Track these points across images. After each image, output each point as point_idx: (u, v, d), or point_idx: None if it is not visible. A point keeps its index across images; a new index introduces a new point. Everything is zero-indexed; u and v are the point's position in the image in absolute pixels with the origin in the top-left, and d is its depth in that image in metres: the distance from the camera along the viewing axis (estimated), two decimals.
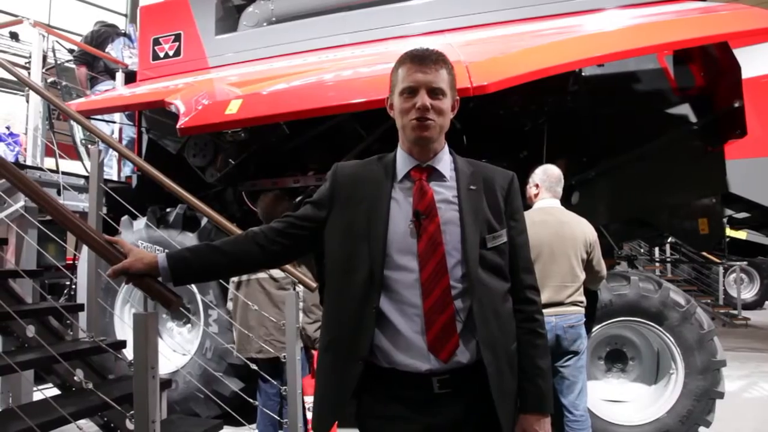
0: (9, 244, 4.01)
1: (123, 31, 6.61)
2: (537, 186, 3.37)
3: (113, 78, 5.79)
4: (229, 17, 5.16)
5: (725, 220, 4.86)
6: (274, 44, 4.74)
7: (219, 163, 4.66)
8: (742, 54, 3.97)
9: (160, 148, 5.28)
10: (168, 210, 4.75)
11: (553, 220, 3.23)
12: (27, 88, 5.06)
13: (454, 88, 1.61)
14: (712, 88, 4.36)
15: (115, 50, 6.12)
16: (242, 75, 4.55)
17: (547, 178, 3.36)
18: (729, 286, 11.82)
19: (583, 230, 3.25)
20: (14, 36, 6.52)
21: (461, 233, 1.53)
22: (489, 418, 1.49)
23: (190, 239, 4.50)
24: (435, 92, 1.53)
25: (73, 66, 6.44)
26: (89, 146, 5.61)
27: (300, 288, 3.46)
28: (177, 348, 4.62)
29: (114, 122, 5.59)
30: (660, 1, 3.94)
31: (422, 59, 1.55)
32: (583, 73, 4.30)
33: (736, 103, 3.99)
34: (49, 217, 4.17)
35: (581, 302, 3.24)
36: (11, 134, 6.03)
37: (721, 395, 3.75)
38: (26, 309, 3.27)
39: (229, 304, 3.92)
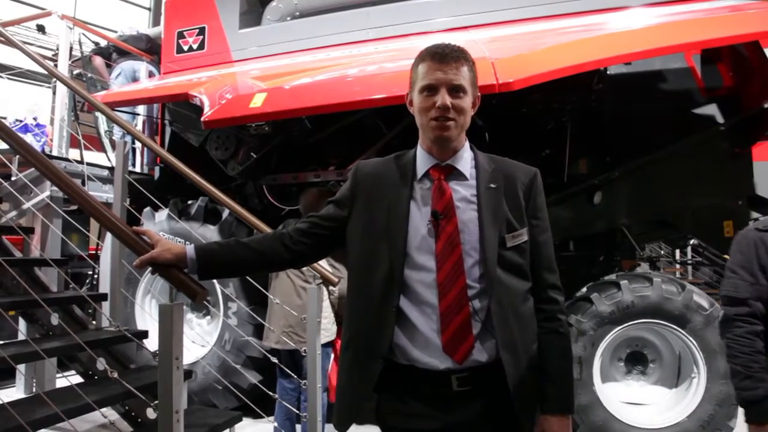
0: (35, 233, 4.07)
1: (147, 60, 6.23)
2: None
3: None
4: (253, 11, 5.20)
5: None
6: (297, 39, 4.76)
7: (241, 157, 4.69)
8: None
9: (182, 140, 5.32)
10: (189, 202, 4.80)
11: None
12: (53, 80, 5.12)
13: (476, 84, 1.57)
14: (741, 88, 4.28)
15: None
16: (266, 69, 4.57)
17: None
18: None
19: None
20: (41, 28, 6.60)
21: (480, 233, 1.51)
22: (508, 418, 1.48)
23: (211, 231, 4.54)
24: (456, 90, 1.50)
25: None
26: (113, 138, 5.67)
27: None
28: (196, 339, 4.66)
29: (138, 114, 5.65)
30: None
31: (443, 56, 1.51)
32: (607, 72, 4.25)
33: (766, 103, 3.91)
34: (72, 207, 4.26)
35: None
36: (38, 125, 6.11)
37: None
38: (51, 297, 3.32)
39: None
